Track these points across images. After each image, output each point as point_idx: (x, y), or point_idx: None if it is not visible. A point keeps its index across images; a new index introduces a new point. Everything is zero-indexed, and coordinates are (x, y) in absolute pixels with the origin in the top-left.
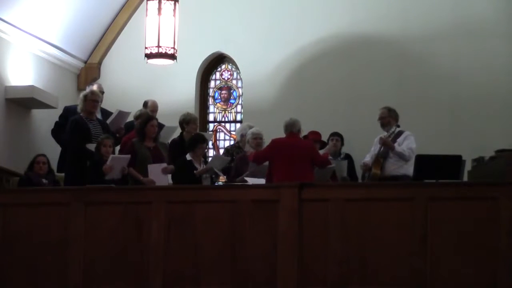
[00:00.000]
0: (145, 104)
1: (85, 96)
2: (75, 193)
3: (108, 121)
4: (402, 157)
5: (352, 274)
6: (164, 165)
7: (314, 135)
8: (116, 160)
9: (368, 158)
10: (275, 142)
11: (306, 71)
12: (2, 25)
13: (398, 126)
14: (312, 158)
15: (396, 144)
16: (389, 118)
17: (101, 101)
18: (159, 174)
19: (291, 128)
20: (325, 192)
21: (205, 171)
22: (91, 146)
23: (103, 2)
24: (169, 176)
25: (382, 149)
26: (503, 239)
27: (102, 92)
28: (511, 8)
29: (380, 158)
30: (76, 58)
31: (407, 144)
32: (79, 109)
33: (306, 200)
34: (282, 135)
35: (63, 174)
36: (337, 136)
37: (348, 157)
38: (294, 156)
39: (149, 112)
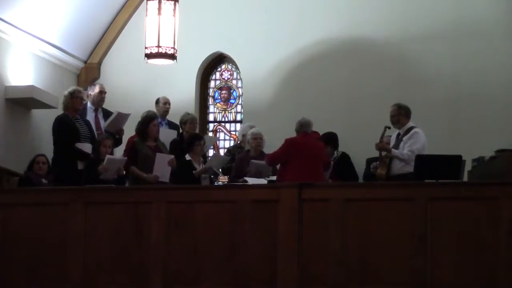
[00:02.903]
0: (157, 101)
1: (72, 93)
2: (75, 193)
3: (106, 123)
4: (400, 160)
5: (352, 274)
6: (172, 157)
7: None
8: (112, 161)
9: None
10: (290, 142)
11: (306, 71)
12: (2, 25)
13: (389, 128)
14: (323, 160)
15: (402, 143)
16: (398, 116)
17: (104, 101)
18: (164, 165)
19: (306, 128)
20: (325, 192)
21: (204, 171)
22: (81, 146)
23: (103, 2)
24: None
25: (383, 152)
26: (503, 239)
27: (104, 92)
28: (511, 8)
29: (386, 159)
30: (76, 58)
31: (410, 144)
32: (63, 107)
33: (306, 200)
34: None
35: None
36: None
37: (344, 156)
38: (309, 156)
39: (161, 105)
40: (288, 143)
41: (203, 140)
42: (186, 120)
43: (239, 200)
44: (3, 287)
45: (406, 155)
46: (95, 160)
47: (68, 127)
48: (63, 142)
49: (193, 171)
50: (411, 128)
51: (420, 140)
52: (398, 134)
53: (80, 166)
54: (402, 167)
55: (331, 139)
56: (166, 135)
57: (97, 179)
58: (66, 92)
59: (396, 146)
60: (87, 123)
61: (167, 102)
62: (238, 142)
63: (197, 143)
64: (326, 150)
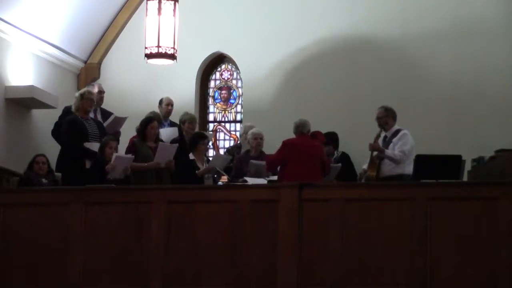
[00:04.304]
0: (161, 102)
1: (82, 95)
2: (75, 193)
3: (104, 125)
4: (392, 160)
5: (352, 274)
6: (176, 146)
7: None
8: (120, 160)
9: (366, 164)
10: (287, 144)
11: (305, 71)
12: (2, 25)
13: (384, 129)
14: (321, 160)
15: (391, 145)
16: (386, 118)
17: (102, 101)
18: (167, 153)
19: (302, 128)
20: (325, 192)
21: (207, 171)
22: (89, 145)
23: (103, 2)
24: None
25: (374, 153)
26: (503, 239)
27: (103, 92)
28: (511, 8)
29: (376, 160)
30: (76, 58)
31: (400, 145)
32: (73, 108)
33: (306, 200)
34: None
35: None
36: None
37: (344, 156)
38: (306, 157)
39: (163, 106)
40: (285, 145)
41: (207, 139)
42: (185, 119)
43: (239, 200)
44: (3, 287)
45: (398, 156)
46: (100, 160)
47: (77, 127)
48: (72, 142)
49: (196, 171)
50: (399, 130)
51: (410, 142)
52: (385, 137)
53: (88, 165)
54: (392, 169)
55: (331, 139)
56: (168, 134)
57: (104, 179)
58: (76, 94)
59: (385, 148)
60: (98, 123)
61: (169, 104)
62: (238, 142)
63: (202, 142)
64: (327, 150)
